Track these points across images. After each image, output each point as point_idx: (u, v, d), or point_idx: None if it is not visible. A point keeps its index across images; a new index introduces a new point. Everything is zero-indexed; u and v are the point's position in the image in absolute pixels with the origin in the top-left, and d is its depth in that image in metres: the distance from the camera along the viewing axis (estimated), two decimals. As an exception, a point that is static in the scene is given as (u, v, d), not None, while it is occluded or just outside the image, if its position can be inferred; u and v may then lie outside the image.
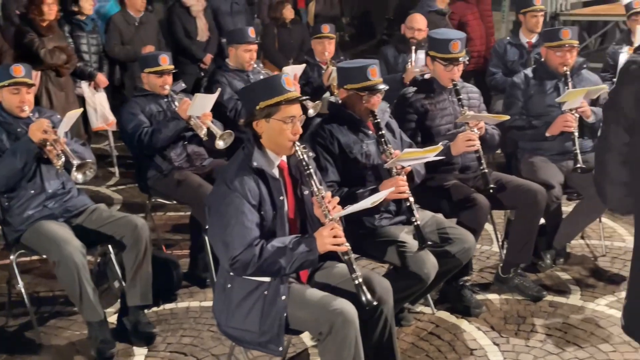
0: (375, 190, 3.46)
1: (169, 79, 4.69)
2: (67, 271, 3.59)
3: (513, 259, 4.29)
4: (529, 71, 4.77)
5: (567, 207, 4.94)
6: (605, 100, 4.65)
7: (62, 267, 3.60)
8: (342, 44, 9.70)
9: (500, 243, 4.68)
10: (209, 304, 4.19)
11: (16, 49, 5.94)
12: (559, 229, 4.55)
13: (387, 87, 3.66)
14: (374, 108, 3.65)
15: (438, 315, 4.08)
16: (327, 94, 5.72)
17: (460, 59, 4.13)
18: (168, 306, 4.26)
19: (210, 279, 3.33)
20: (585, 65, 4.79)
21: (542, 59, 4.73)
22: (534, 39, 6.14)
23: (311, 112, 5.31)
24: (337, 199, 2.97)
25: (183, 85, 4.97)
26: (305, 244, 2.83)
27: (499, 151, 6.06)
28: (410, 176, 3.62)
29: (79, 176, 3.78)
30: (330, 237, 2.83)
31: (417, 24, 6.01)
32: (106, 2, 7.61)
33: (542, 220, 4.38)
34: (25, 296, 3.88)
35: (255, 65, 5.49)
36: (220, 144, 4.52)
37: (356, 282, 2.88)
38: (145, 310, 3.98)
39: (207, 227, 3.04)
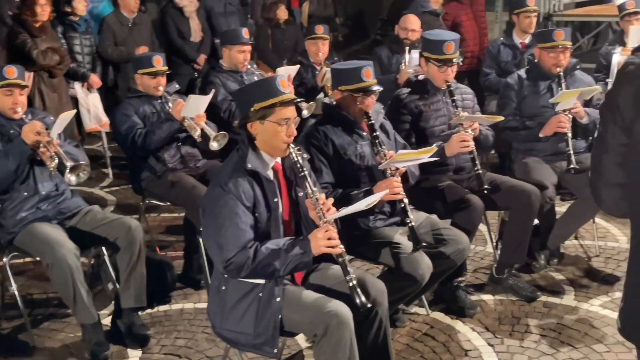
0: (369, 192, 3.47)
1: (163, 80, 4.68)
2: (60, 273, 3.57)
3: (507, 259, 4.30)
4: (522, 72, 4.78)
5: (561, 208, 4.95)
6: (599, 101, 4.70)
7: (56, 270, 3.59)
8: (335, 44, 9.70)
9: (494, 243, 4.69)
10: (204, 305, 4.19)
11: (9, 50, 5.93)
12: (553, 229, 4.56)
13: (381, 89, 3.66)
14: (368, 109, 3.65)
15: (433, 316, 4.09)
16: (321, 95, 5.72)
17: (454, 60, 4.13)
18: (162, 308, 4.25)
19: (205, 281, 3.33)
20: (578, 66, 4.81)
21: (536, 60, 4.74)
22: (527, 39, 6.16)
23: (305, 113, 5.29)
24: (331, 200, 2.97)
25: (177, 86, 4.96)
26: (299, 246, 2.83)
27: (492, 152, 6.08)
28: (404, 177, 3.62)
29: (72, 178, 3.76)
30: (325, 239, 2.83)
31: (411, 24, 6.02)
32: (99, 2, 7.59)
33: (536, 221, 4.39)
34: (18, 298, 3.86)
35: (249, 66, 5.48)
36: (214, 145, 4.51)
37: (350, 284, 2.88)
38: (139, 312, 3.97)
39: (201, 229, 3.04)
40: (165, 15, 7.33)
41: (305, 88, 5.76)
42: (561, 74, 4.56)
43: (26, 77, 4.09)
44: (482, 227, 4.66)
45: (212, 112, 4.84)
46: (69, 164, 3.73)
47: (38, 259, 3.83)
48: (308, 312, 2.87)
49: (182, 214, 4.81)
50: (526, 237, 4.24)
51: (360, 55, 11.47)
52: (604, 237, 5.15)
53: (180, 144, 4.61)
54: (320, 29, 6.04)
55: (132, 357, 3.76)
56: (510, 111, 4.66)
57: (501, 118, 4.28)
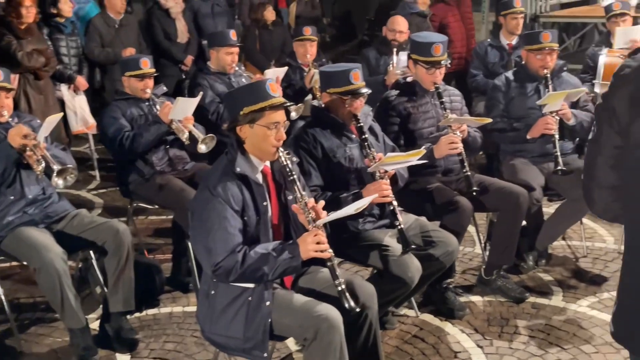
0: (358, 194, 3.47)
1: (150, 82, 4.65)
2: (48, 278, 3.55)
3: (496, 260, 4.31)
4: (510, 74, 4.80)
5: (548, 209, 4.98)
6: (586, 102, 4.73)
7: (43, 274, 3.56)
8: (323, 44, 9.69)
9: (483, 245, 4.70)
10: (192, 309, 4.17)
11: (-6, 52, 5.87)
12: (541, 230, 4.58)
13: (369, 91, 3.66)
14: (356, 112, 3.65)
15: (422, 317, 4.09)
16: (309, 97, 5.72)
17: (442, 62, 4.14)
18: (151, 311, 4.23)
19: (194, 284, 3.31)
20: (565, 68, 4.83)
21: (523, 62, 4.76)
22: (514, 40, 6.19)
23: (293, 114, 5.30)
24: (322, 203, 2.96)
25: (164, 88, 4.94)
26: (288, 250, 2.82)
27: (480, 153, 6.09)
28: (393, 180, 3.63)
29: (59, 182, 3.73)
30: (314, 243, 2.82)
31: (399, 26, 6.04)
32: (85, 3, 7.54)
33: (524, 222, 4.41)
34: (5, 303, 3.84)
35: (236, 68, 5.47)
36: (202, 148, 4.50)
37: (339, 288, 2.88)
38: (128, 316, 3.95)
39: (189, 232, 3.02)
40: (151, 17, 7.30)
41: (294, 90, 5.76)
42: (548, 75, 4.58)
43: (11, 79, 4.05)
44: (470, 228, 4.67)
45: (200, 115, 4.82)
46: (56, 167, 3.70)
47: (25, 263, 3.79)
48: (298, 316, 2.87)
49: (171, 217, 4.79)
50: (514, 239, 4.25)
51: (348, 55, 11.48)
52: (592, 238, 5.18)
53: (168, 146, 4.59)
54: (308, 31, 6.04)
55: (120, 362, 3.75)
56: (498, 113, 4.68)
57: (489, 120, 4.28)
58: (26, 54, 5.78)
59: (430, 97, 4.25)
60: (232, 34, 5.41)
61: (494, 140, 4.80)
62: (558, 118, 4.44)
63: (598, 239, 5.17)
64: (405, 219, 3.68)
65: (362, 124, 3.64)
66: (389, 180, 3.53)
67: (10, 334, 3.93)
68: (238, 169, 2.89)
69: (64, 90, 6.44)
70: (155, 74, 4.73)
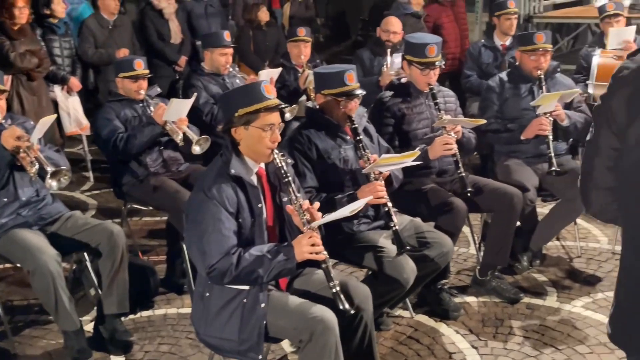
0: (353, 196, 3.47)
1: (144, 83, 4.64)
2: (42, 280, 3.53)
3: (490, 261, 4.32)
4: (504, 75, 4.81)
5: (542, 209, 4.99)
6: (579, 103, 4.74)
7: (37, 277, 3.54)
8: (316, 45, 9.70)
9: (477, 245, 4.71)
10: (187, 310, 4.16)
11: (-14, 53, 5.84)
12: (536, 231, 4.59)
13: (364, 93, 3.66)
14: (351, 113, 3.65)
15: (417, 318, 4.10)
16: (303, 98, 5.71)
17: (437, 63, 4.15)
18: (145, 313, 4.22)
19: (188, 286, 3.30)
20: (559, 69, 4.84)
21: (517, 63, 4.77)
22: (507, 41, 6.20)
23: (288, 115, 5.30)
24: (317, 204, 2.96)
25: (158, 89, 4.93)
26: (283, 252, 2.82)
27: (474, 153, 6.10)
28: (388, 181, 3.63)
29: (53, 183, 3.72)
30: (309, 245, 2.82)
31: (393, 26, 6.04)
32: (78, 4, 7.52)
33: (518, 223, 4.41)
34: (-1, 305, 3.83)
35: (230, 69, 5.47)
36: (196, 149, 4.50)
37: (333, 290, 2.88)
38: (122, 318, 3.94)
39: (184, 234, 3.02)
40: (144, 18, 7.28)
41: (288, 91, 5.75)
42: (542, 76, 4.59)
43: (4, 80, 4.04)
44: (464, 229, 4.66)
45: (194, 116, 4.82)
46: (49, 169, 3.69)
47: (19, 265, 3.78)
48: (293, 318, 2.87)
49: (165, 218, 4.78)
50: (509, 239, 4.26)
51: (341, 56, 11.49)
52: (585, 238, 5.19)
53: (162, 148, 4.58)
54: (302, 31, 6.03)
55: (115, 364, 3.74)
56: (492, 114, 4.68)
57: (483, 121, 4.29)
58: (19, 55, 5.76)
59: (424, 98, 4.25)
60: (226, 35, 5.40)
61: (488, 141, 4.81)
62: (552, 119, 4.45)
63: (592, 239, 5.19)
64: (400, 220, 3.68)
65: (356, 125, 3.64)
66: (383, 182, 3.53)
67: (4, 336, 3.91)
68: (233, 171, 2.89)
69: (57, 91, 6.42)
70: (149, 76, 4.72)
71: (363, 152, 3.58)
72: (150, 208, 4.78)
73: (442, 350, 3.79)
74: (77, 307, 3.75)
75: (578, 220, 4.89)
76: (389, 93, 4.31)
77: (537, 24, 9.51)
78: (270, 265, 2.80)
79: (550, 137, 4.41)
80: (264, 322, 2.88)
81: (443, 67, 4.27)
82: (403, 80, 4.36)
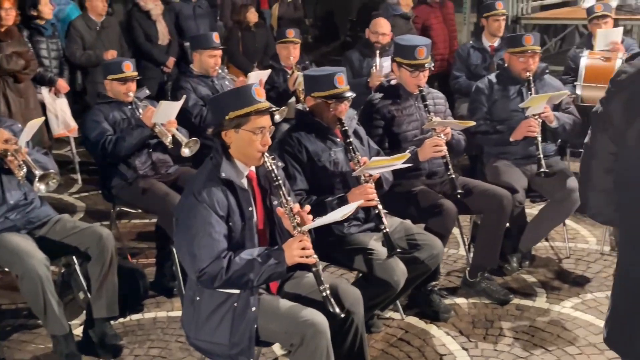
0: (343, 199, 3.46)
1: (133, 85, 4.62)
2: (30, 284, 3.51)
3: (480, 262, 4.33)
4: (492, 76, 4.82)
5: (531, 210, 5.01)
6: (568, 104, 4.76)
7: (26, 281, 3.52)
8: (305, 45, 9.71)
9: (467, 246, 4.72)
10: (177, 313, 4.15)
11: (-28, 56, 5.79)
12: (525, 232, 4.61)
13: (354, 95, 3.66)
14: (341, 115, 3.65)
15: (407, 320, 4.10)
16: (292, 99, 5.71)
17: (426, 65, 4.15)
18: (135, 317, 4.20)
19: (178, 290, 3.29)
20: (547, 71, 4.86)
21: (506, 65, 4.78)
22: (496, 43, 6.23)
23: (277, 117, 5.29)
24: (307, 208, 2.95)
25: (147, 92, 4.92)
26: (273, 256, 2.81)
27: (464, 155, 6.11)
28: (378, 183, 3.63)
29: (41, 187, 3.70)
30: (299, 249, 2.82)
31: (382, 28, 6.05)
32: (65, 5, 7.46)
33: (507, 224, 4.43)
34: (-14, 310, 3.80)
35: (219, 71, 5.45)
36: (185, 152, 4.48)
37: (324, 294, 2.88)
38: (112, 322, 3.91)
39: (174, 238, 3.00)
40: (131, 19, 7.24)
41: (277, 92, 5.74)
42: (530, 78, 4.61)
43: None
44: (454, 230, 4.67)
45: (184, 118, 4.80)
46: (38, 172, 3.67)
47: (7, 269, 3.75)
48: (284, 321, 2.86)
49: (154, 220, 4.76)
50: (498, 241, 4.27)
51: (330, 56, 11.50)
52: (574, 239, 5.21)
53: (151, 150, 4.56)
54: (291, 33, 6.02)
55: (104, 368, 3.72)
56: (481, 115, 4.70)
57: (473, 123, 4.30)
58: (5, 57, 5.71)
59: (414, 100, 4.26)
60: (215, 37, 5.39)
61: (477, 143, 4.82)
62: (541, 120, 4.47)
63: (581, 240, 5.21)
64: (390, 222, 3.68)
65: (347, 128, 3.64)
66: (373, 184, 3.53)
67: (-8, 341, 3.89)
68: (223, 174, 2.88)
69: (45, 93, 6.37)
70: (138, 78, 4.69)
71: (353, 154, 3.58)
72: (139, 211, 4.76)
73: (433, 352, 3.79)
74: (66, 311, 3.73)
75: (567, 221, 4.91)
76: (378, 95, 4.31)
77: (525, 25, 9.55)
78: (260, 269, 2.79)
79: (539, 139, 4.42)
80: (255, 326, 2.87)
81: (432, 69, 4.28)
82: (393, 82, 4.36)
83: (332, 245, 3.58)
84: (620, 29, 5.98)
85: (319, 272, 2.89)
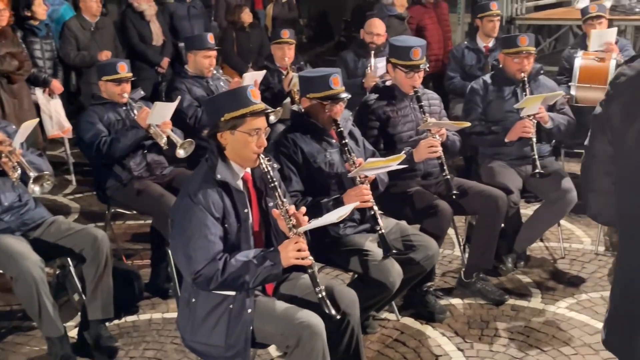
0: (339, 200, 3.46)
1: (128, 86, 4.61)
2: (25, 286, 3.49)
3: (475, 263, 4.33)
4: (487, 77, 4.83)
5: (526, 210, 5.02)
6: (563, 105, 4.77)
7: (20, 283, 3.50)
8: (300, 45, 9.72)
9: (462, 247, 4.73)
10: (172, 315, 4.14)
11: (-35, 57, 5.77)
12: (520, 232, 4.62)
13: (349, 96, 3.66)
14: (336, 117, 3.64)
15: (403, 321, 4.10)
16: (287, 100, 5.70)
17: (421, 66, 4.16)
18: (130, 318, 4.19)
19: (174, 291, 3.28)
20: (542, 72, 4.87)
21: (500, 65, 4.79)
22: (490, 43, 6.23)
23: (272, 118, 5.28)
24: (303, 209, 2.95)
25: (142, 92, 4.90)
26: (269, 258, 2.81)
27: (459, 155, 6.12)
28: (374, 184, 3.63)
29: (36, 188, 3.69)
30: (294, 250, 2.81)
31: (376, 28, 6.05)
32: (59, 5, 7.44)
33: (502, 225, 4.43)
34: (-19, 312, 3.78)
35: (214, 71, 5.44)
36: (180, 153, 4.47)
37: (319, 296, 2.88)
38: (107, 324, 3.90)
39: (169, 240, 3.00)
40: (125, 20, 7.22)
41: (272, 93, 5.74)
42: (525, 79, 4.61)
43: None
44: (449, 231, 4.67)
45: (178, 119, 4.79)
46: (32, 174, 3.66)
47: (1, 271, 3.73)
48: (280, 323, 2.86)
49: (149, 222, 4.74)
50: (494, 241, 4.28)
51: (325, 56, 11.50)
52: (569, 239, 5.22)
53: (146, 151, 4.55)
54: (286, 34, 6.01)
55: (99, 370, 3.70)
56: (476, 116, 4.70)
57: (468, 124, 4.30)
58: (-1, 58, 5.69)
59: (409, 101, 4.26)
60: (210, 37, 5.38)
61: (472, 144, 4.83)
62: (535, 121, 4.48)
63: (575, 240, 5.22)
64: (386, 223, 3.68)
65: (342, 129, 3.63)
66: (369, 185, 3.53)
67: (-14, 343, 3.88)
68: (219, 176, 2.87)
69: (39, 94, 6.35)
70: (133, 79, 4.68)
71: (349, 155, 3.58)
72: (134, 212, 4.75)
73: (429, 353, 3.80)
74: (61, 313, 3.71)
75: (561, 222, 4.92)
76: (373, 96, 4.31)
77: (520, 25, 9.57)
78: (256, 271, 2.79)
79: (534, 140, 4.43)
80: (251, 328, 2.87)
81: (427, 70, 4.28)
82: (388, 83, 4.36)
83: (327, 246, 3.58)
84: (615, 30, 5.99)
85: (314, 273, 2.89)
